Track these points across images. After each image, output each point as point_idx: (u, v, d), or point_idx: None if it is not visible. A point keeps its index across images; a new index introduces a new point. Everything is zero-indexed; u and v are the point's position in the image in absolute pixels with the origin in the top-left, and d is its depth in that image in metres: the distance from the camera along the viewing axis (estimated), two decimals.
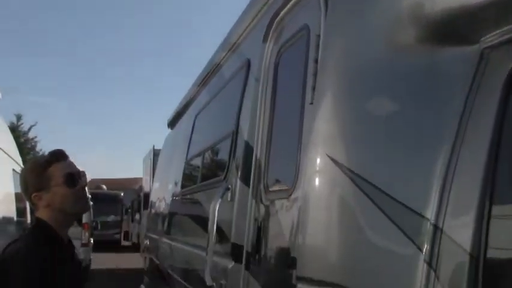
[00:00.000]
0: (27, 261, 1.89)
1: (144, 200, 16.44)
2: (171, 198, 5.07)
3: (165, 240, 4.99)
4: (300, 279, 1.71)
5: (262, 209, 2.32)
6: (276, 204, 2.17)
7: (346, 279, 1.56)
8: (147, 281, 6.57)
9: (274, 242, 2.15)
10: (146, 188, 15.03)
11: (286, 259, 1.82)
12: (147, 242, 7.10)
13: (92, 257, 15.89)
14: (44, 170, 2.04)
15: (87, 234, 13.94)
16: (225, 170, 2.91)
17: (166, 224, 5.11)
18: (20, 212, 4.59)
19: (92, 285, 12.66)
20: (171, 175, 5.38)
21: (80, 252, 13.39)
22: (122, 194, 26.36)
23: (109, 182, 32.76)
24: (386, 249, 1.55)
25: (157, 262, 5.42)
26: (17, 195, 4.41)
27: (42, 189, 2.02)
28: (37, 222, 2.08)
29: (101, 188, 28.08)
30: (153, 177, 11.78)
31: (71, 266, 2.11)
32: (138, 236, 21.13)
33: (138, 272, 10.57)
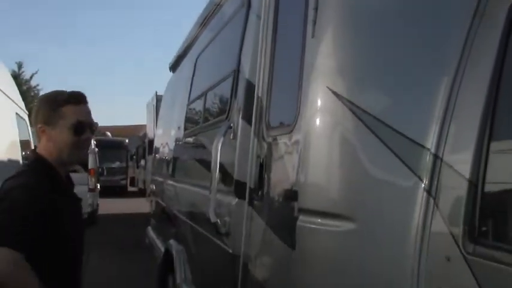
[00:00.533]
0: (29, 197, 1.86)
1: (148, 146, 16.55)
2: (174, 142, 5.10)
3: (169, 182, 5.05)
4: (301, 211, 1.75)
5: (264, 146, 2.34)
6: (277, 141, 2.18)
7: (347, 210, 1.59)
8: (153, 223, 6.70)
9: (276, 178, 2.18)
10: (150, 134, 15.08)
11: (288, 193, 1.85)
12: (152, 185, 7.20)
13: (99, 202, 16.21)
14: (58, 107, 2.01)
15: (93, 179, 14.16)
16: (227, 110, 2.91)
17: (170, 166, 5.16)
18: (25, 157, 4.64)
19: (99, 229, 13.02)
20: (173, 119, 5.39)
21: (88, 197, 13.68)
22: (127, 141, 26.53)
23: (114, 129, 32.98)
24: (387, 180, 1.57)
25: (163, 204, 5.51)
26: (21, 139, 4.45)
27: (49, 124, 2.02)
28: (36, 158, 2.06)
29: (106, 135, 28.30)
30: (156, 122, 11.84)
31: (70, 201, 2.13)
32: (144, 182, 21.42)
33: (144, 216, 10.79)
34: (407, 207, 1.49)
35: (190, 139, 4.17)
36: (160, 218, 5.78)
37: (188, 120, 4.45)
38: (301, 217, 1.75)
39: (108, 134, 29.31)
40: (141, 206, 15.30)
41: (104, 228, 13.36)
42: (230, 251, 2.62)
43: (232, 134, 2.72)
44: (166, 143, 5.70)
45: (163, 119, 6.76)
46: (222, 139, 2.68)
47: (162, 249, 5.01)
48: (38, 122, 2.05)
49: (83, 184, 13.70)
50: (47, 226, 1.84)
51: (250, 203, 2.41)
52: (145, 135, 19.81)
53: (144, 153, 21.91)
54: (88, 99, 2.12)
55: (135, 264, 8.10)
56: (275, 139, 2.21)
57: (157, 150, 6.82)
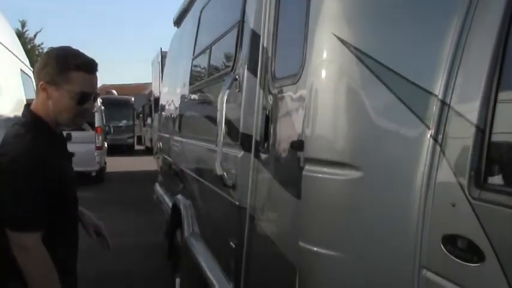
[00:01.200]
0: (27, 157, 1.84)
1: (154, 104, 16.53)
2: (180, 97, 5.09)
3: (176, 138, 5.07)
4: (308, 160, 1.75)
5: (270, 98, 2.32)
6: (283, 91, 2.16)
7: (354, 159, 1.58)
8: (160, 179, 6.75)
9: (282, 129, 2.17)
10: (156, 92, 15.02)
11: (294, 143, 1.85)
12: (159, 142, 7.23)
13: (106, 160, 16.34)
14: (67, 70, 1.93)
15: (100, 137, 14.24)
16: (233, 62, 2.88)
17: (176, 122, 5.16)
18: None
19: (107, 187, 13.18)
20: (179, 74, 5.36)
21: (95, 155, 13.79)
22: (133, 99, 26.48)
23: (119, 88, 32.87)
24: (394, 129, 1.56)
25: (170, 160, 5.54)
26: (27, 98, 4.44)
27: (53, 84, 1.94)
28: (33, 118, 1.99)
29: (112, 94, 28.24)
30: (161, 79, 11.77)
31: (66, 158, 2.12)
32: (151, 140, 21.52)
33: (152, 173, 10.90)
34: (413, 155, 1.48)
35: (195, 94, 4.14)
36: (168, 174, 5.83)
37: (193, 74, 4.42)
38: (307, 167, 1.75)
39: (114, 92, 29.24)
40: (148, 163, 15.42)
41: (111, 186, 13.55)
42: (237, 203, 2.64)
43: (237, 86, 2.70)
44: (172, 100, 5.69)
45: (168, 75, 6.72)
46: (227, 92, 2.67)
47: (170, 204, 5.07)
48: (41, 78, 1.96)
49: (90, 142, 13.80)
50: (53, 192, 1.88)
51: (256, 155, 2.42)
52: (151, 93, 19.76)
53: (150, 112, 21.90)
54: (93, 58, 2.02)
55: (142, 220, 8.25)
56: (281, 90, 2.19)
57: (163, 107, 6.81)
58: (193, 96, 4.28)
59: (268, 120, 2.31)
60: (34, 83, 5.37)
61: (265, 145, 2.33)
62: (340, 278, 1.61)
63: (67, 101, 1.95)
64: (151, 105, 19.87)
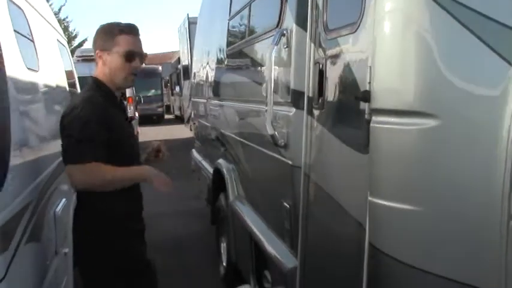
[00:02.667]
0: (92, 109, 2.28)
1: (183, 72, 16.45)
2: (216, 61, 5.00)
3: (214, 102, 5.00)
4: (375, 111, 1.65)
5: (323, 51, 2.22)
6: (339, 43, 2.06)
7: (428, 106, 1.49)
8: (198, 144, 6.73)
9: (339, 82, 2.07)
10: (184, 60, 14.92)
11: (359, 94, 1.75)
12: (194, 108, 7.18)
13: (139, 130, 16.46)
14: (113, 35, 2.38)
15: (132, 107, 14.34)
16: (278, 17, 2.77)
17: (214, 86, 5.09)
18: (71, 84, 4.63)
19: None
20: (213, 38, 5.25)
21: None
22: (160, 68, 26.43)
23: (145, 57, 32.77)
24: (474, 74, 1.44)
25: (208, 125, 5.50)
26: (66, 70, 4.42)
27: (105, 50, 2.39)
28: (94, 80, 2.45)
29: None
30: (190, 46, 11.64)
31: (122, 116, 2.53)
32: (180, 108, 21.54)
33: (184, 141, 10.92)
34: (498, 102, 1.38)
35: (235, 55, 4.05)
36: (206, 139, 5.79)
37: (231, 35, 4.31)
38: (375, 118, 1.66)
39: None
40: (180, 131, 15.49)
41: None
42: (290, 162, 2.58)
43: (285, 42, 2.59)
44: (207, 64, 5.60)
45: (200, 40, 6.61)
46: (275, 48, 2.57)
47: (211, 170, 5.04)
48: (96, 49, 2.42)
49: None
50: (108, 128, 2.28)
51: (310, 112, 2.33)
52: (178, 61, 19.66)
53: (178, 80, 21.85)
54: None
55: (181, 187, 8.23)
56: (336, 41, 2.09)
57: (196, 73, 6.73)
58: (232, 58, 4.19)
59: (322, 74, 2.21)
60: (70, 56, 5.37)
61: (320, 101, 2.24)
62: (417, 233, 1.53)
63: (118, 60, 2.39)
64: (179, 74, 19.81)
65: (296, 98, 2.49)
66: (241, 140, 3.76)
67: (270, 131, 2.61)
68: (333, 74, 2.12)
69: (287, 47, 2.58)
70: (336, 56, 2.09)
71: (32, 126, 2.51)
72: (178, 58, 18.95)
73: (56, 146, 2.53)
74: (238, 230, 3.94)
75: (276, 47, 2.57)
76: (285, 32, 2.59)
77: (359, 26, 1.86)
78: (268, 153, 2.94)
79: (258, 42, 3.25)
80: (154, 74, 25.21)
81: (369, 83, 1.68)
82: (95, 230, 2.35)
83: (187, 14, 12.85)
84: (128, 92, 14.03)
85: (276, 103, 2.62)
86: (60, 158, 2.41)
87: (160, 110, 25.43)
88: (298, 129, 2.41)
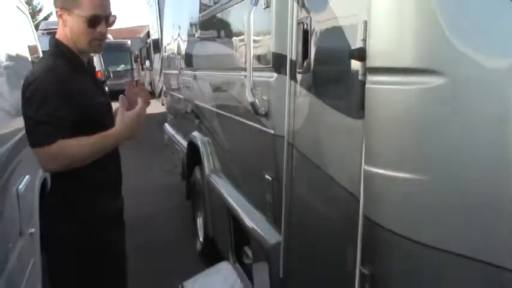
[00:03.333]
0: (44, 80, 1.97)
1: (153, 46, 16.04)
2: (188, 28, 4.77)
3: (187, 72, 4.79)
4: (372, 70, 1.49)
5: (306, 10, 2.04)
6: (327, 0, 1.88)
7: (428, 63, 1.33)
8: (170, 118, 6.52)
9: (328, 41, 1.91)
10: (154, 33, 14.55)
11: (353, 52, 1.58)
12: (166, 81, 6.95)
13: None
14: None
15: None
16: None
17: (186, 56, 4.88)
18: (32, 51, 4.36)
19: None
20: (184, 4, 5.01)
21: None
22: (129, 43, 25.84)
23: (114, 32, 32.16)
24: (488, 24, 1.28)
25: (181, 97, 5.28)
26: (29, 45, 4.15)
27: (64, 9, 2.06)
28: (56, 43, 2.13)
29: (107, 38, 27.59)
30: (160, 18, 11.28)
31: (93, 80, 2.23)
32: (150, 84, 21.13)
33: (156, 116, 10.67)
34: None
35: (209, 21, 3.84)
36: (179, 112, 5.59)
37: (203, 2, 4.08)
38: (370, 78, 1.50)
39: (110, 36, 28.64)
40: (151, 106, 15.16)
41: None
42: (271, 131, 2.41)
43: (265, 2, 2.40)
44: (178, 34, 5.36)
45: (170, 10, 6.34)
46: (253, 9, 2.38)
47: (185, 144, 4.87)
48: (56, 5, 2.10)
49: None
50: (74, 102, 1.98)
51: (293, 77, 2.16)
52: (147, 35, 19.20)
53: (148, 55, 21.37)
54: None
55: (154, 162, 8.04)
56: None
57: (167, 45, 6.48)
58: (205, 24, 3.98)
59: (307, 35, 2.04)
60: (31, 24, 5.06)
61: (304, 64, 2.06)
62: (418, 204, 1.39)
63: (80, 25, 2.04)
64: (149, 48, 19.35)
65: (278, 62, 2.31)
66: (218, 111, 3.58)
67: (250, 98, 2.43)
68: (319, 34, 1.95)
69: (267, 7, 2.40)
70: (322, 14, 1.92)
71: None
72: (148, 32, 18.49)
73: (19, 119, 2.31)
74: (215, 205, 3.79)
75: (254, 8, 2.38)
76: None
77: None
78: (247, 123, 2.77)
79: (234, 4, 3.04)
80: (123, 48, 24.72)
81: (363, 40, 1.51)
82: (60, 208, 2.12)
83: None
84: (97, 66, 13.63)
85: (255, 69, 2.44)
86: (24, 132, 2.18)
87: None
88: (281, 95, 2.24)
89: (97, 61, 13.56)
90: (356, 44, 1.58)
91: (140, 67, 27.11)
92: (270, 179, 2.49)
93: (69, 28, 2.07)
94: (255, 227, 2.72)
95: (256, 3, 2.38)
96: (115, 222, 2.28)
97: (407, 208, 1.43)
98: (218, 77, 3.52)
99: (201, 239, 4.57)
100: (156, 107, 12.37)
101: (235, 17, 3.06)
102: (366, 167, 1.51)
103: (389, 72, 1.43)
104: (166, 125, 6.66)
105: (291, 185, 2.22)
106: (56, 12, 2.12)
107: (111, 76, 17.93)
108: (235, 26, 3.09)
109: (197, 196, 4.57)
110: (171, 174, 6.26)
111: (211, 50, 3.91)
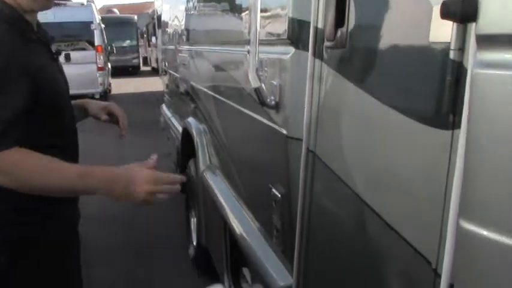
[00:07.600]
0: (5, 56, 1.42)
1: (158, 21, 15.36)
2: (189, 3, 4.06)
3: (184, 47, 4.08)
4: (487, 40, 0.78)
5: None
6: None
7: None
8: (167, 99, 5.85)
9: None
10: (158, 7, 13.86)
11: (443, 10, 0.87)
12: (163, 58, 6.28)
13: (111, 81, 15.49)
14: None
15: (102, 57, 13.35)
16: None
17: (183, 28, 4.17)
18: None
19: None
20: None
21: (97, 76, 12.94)
22: (136, 18, 25.27)
23: (121, 7, 31.70)
24: None
25: (176, 75, 4.59)
26: None
27: None
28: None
29: (113, 13, 27.04)
30: None
31: (48, 56, 1.65)
32: (157, 60, 20.48)
33: (157, 93, 10.11)
34: None
35: None
36: (175, 93, 4.90)
37: None
38: (482, 57, 0.79)
39: (116, 11, 28.08)
40: (155, 84, 14.61)
41: (118, 105, 12.65)
42: (284, 131, 1.71)
43: None
44: (177, 7, 4.66)
45: None
46: None
47: (180, 129, 4.20)
48: None
49: (91, 63, 12.87)
50: (30, 84, 1.44)
51: (319, 54, 1.45)
52: (154, 11, 18.55)
53: (154, 31, 20.70)
54: None
55: (152, 144, 7.39)
56: None
57: (166, 20, 5.78)
58: None
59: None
60: None
61: (338, 34, 1.35)
62: None
63: None
64: (155, 24, 18.67)
65: (296, 32, 1.61)
66: (215, 95, 2.87)
67: (254, 83, 1.73)
68: None
69: None
70: None
71: None
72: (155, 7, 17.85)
73: None
74: (209, 212, 3.11)
75: None
76: None
77: None
78: (250, 115, 2.07)
79: None
80: (129, 24, 24.36)
81: None
82: None
83: None
84: (97, 40, 13.00)
85: (263, 42, 1.74)
86: None
87: (135, 61, 24.54)
88: (299, 80, 1.53)
89: (98, 35, 12.90)
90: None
91: (147, 44, 26.58)
92: (279, 196, 1.79)
93: None
94: (257, 256, 2.04)
95: None
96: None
97: None
98: (216, 53, 2.81)
99: (194, 243, 3.93)
100: (158, 84, 11.80)
101: None
102: (463, 222, 0.81)
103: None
104: (163, 106, 6.01)
105: (310, 211, 1.52)
106: None
107: (114, 52, 17.45)
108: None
109: (191, 193, 3.90)
110: (168, 158, 5.63)
111: (208, 20, 3.19)
